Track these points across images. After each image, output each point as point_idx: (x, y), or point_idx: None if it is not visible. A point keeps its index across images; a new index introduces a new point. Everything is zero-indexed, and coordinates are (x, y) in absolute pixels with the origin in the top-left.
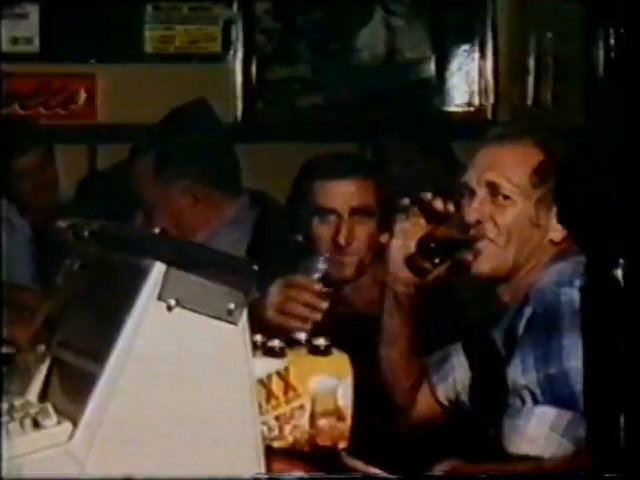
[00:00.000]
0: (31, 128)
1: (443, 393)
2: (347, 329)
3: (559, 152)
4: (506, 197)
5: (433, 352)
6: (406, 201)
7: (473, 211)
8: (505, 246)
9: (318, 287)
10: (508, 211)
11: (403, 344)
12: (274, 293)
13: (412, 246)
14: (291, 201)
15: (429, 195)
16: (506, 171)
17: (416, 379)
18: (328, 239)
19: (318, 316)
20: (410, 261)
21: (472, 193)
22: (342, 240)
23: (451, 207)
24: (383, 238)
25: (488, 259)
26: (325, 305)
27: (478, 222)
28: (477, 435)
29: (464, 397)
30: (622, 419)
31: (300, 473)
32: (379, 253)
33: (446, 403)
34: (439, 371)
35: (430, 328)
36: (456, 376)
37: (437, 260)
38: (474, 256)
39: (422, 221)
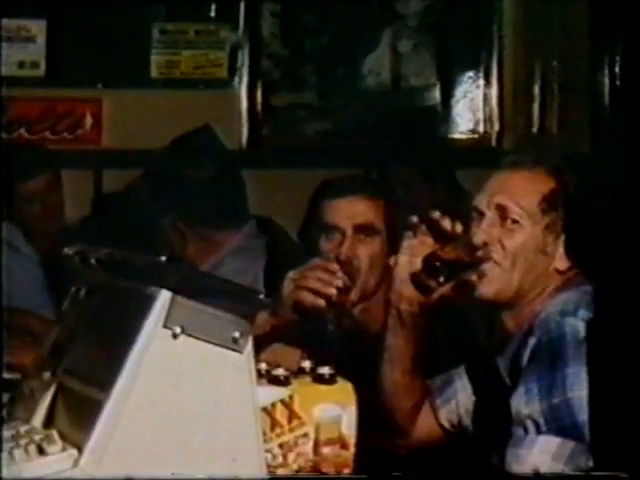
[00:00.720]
0: (39, 152)
1: (445, 416)
2: (357, 351)
3: (571, 182)
4: (515, 221)
5: (436, 375)
6: (414, 219)
7: (481, 233)
8: (510, 270)
9: (332, 267)
10: (516, 235)
11: (406, 363)
12: (291, 276)
13: (418, 263)
14: (305, 222)
15: (437, 214)
16: (516, 195)
17: (418, 400)
18: (330, 255)
19: (332, 291)
20: (415, 278)
21: (481, 215)
22: (343, 256)
23: (459, 227)
24: (391, 260)
25: (492, 282)
26: (339, 282)
27: (485, 244)
28: (478, 460)
29: (466, 421)
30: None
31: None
32: (386, 275)
33: (448, 426)
34: (442, 394)
35: (434, 350)
36: (459, 399)
37: (442, 279)
38: (478, 278)
39: (429, 240)
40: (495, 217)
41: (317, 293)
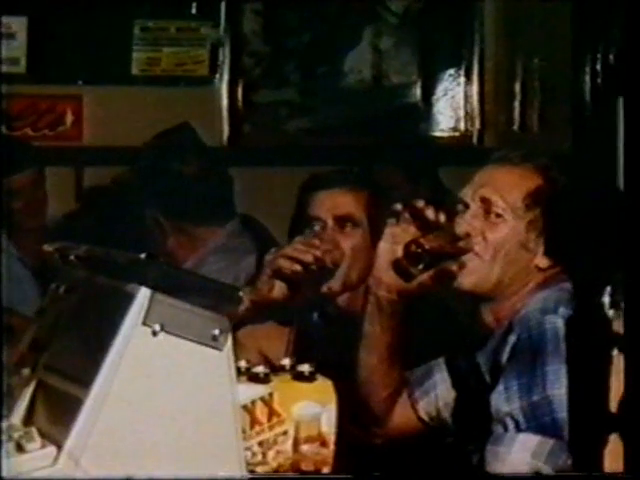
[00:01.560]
0: (27, 148)
1: (424, 409)
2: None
3: (559, 180)
4: (498, 215)
5: (415, 366)
6: (398, 206)
7: (464, 224)
8: (490, 262)
9: (312, 241)
10: (498, 229)
11: (383, 351)
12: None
13: (399, 251)
14: (293, 217)
15: (422, 202)
16: (502, 189)
17: (394, 389)
18: (320, 253)
19: (309, 258)
20: (396, 265)
21: (466, 207)
22: (322, 246)
23: (442, 217)
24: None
25: (472, 273)
26: (317, 252)
27: (467, 235)
28: (456, 454)
29: (445, 414)
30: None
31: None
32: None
33: (426, 419)
34: (421, 386)
35: (412, 340)
36: (438, 392)
37: (422, 266)
38: (459, 268)
39: (412, 228)
40: (479, 210)
41: (294, 259)
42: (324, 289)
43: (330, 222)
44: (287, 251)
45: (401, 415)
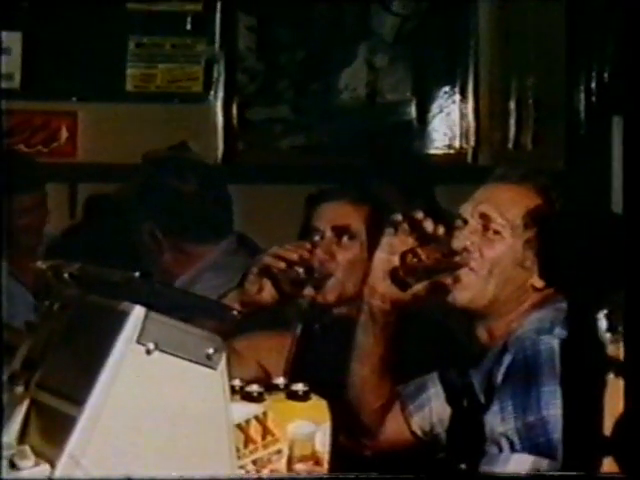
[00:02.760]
0: (35, 167)
1: (417, 423)
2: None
3: (557, 200)
4: (496, 232)
5: (408, 380)
6: (398, 216)
7: (462, 238)
8: (486, 278)
9: (303, 244)
10: (496, 245)
11: (375, 361)
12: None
13: (395, 261)
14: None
15: (421, 214)
16: (501, 207)
17: (386, 401)
18: (308, 254)
19: (294, 256)
20: (392, 273)
21: (464, 223)
22: (317, 255)
23: (441, 230)
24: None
25: (467, 288)
26: (305, 254)
27: (464, 250)
28: (447, 469)
29: (439, 429)
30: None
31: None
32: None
33: (419, 433)
34: (415, 400)
35: (406, 355)
36: (432, 406)
37: (417, 277)
38: (454, 282)
39: (409, 239)
40: (478, 225)
41: (279, 257)
42: (319, 299)
43: (328, 232)
44: (273, 250)
45: (393, 428)
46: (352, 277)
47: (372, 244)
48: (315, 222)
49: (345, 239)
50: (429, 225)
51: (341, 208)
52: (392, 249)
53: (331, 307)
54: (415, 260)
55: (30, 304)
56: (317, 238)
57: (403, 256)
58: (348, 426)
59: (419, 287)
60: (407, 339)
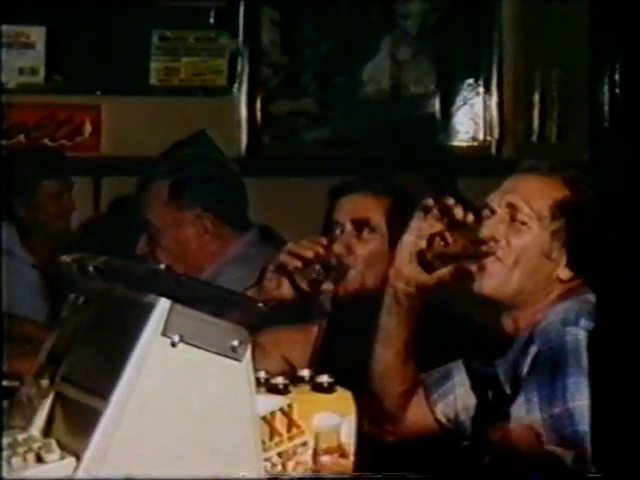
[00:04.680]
0: (61, 155)
1: (442, 411)
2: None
3: (586, 193)
4: (523, 222)
5: (431, 368)
6: (429, 201)
7: (489, 227)
8: (512, 268)
9: (319, 240)
10: (523, 235)
11: (399, 345)
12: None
13: (422, 244)
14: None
15: (452, 200)
16: (529, 197)
17: (410, 386)
18: (324, 251)
19: (309, 254)
20: (418, 256)
21: (492, 213)
22: (337, 248)
23: (470, 217)
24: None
25: (492, 277)
26: (320, 250)
27: (492, 239)
28: (472, 459)
29: (463, 417)
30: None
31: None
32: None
33: (444, 420)
34: (439, 388)
35: (431, 343)
36: (457, 394)
37: (442, 261)
38: (479, 270)
39: (438, 225)
40: (505, 215)
41: (295, 254)
42: (339, 292)
43: (348, 226)
44: (290, 247)
45: (416, 415)
46: (372, 270)
47: (393, 236)
48: (336, 215)
49: (365, 232)
50: (459, 212)
51: (362, 201)
52: (420, 232)
53: (352, 300)
54: (442, 244)
55: (47, 295)
56: (337, 232)
57: (431, 239)
58: (371, 411)
59: (444, 272)
60: (432, 326)
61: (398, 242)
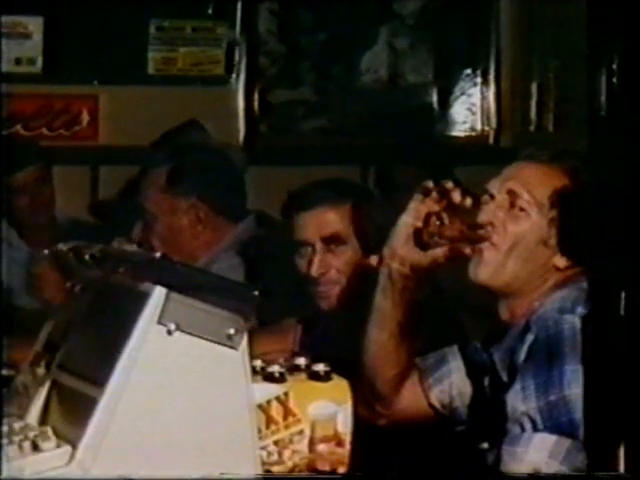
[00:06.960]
0: (29, 145)
1: (437, 396)
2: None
3: (587, 184)
4: (522, 209)
5: (425, 352)
6: (429, 183)
7: (487, 212)
8: (507, 254)
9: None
10: (520, 222)
11: (392, 326)
12: None
13: (419, 225)
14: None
15: (451, 184)
16: (529, 184)
17: (403, 369)
18: (304, 272)
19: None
20: (414, 235)
21: (491, 198)
22: (314, 272)
23: (468, 201)
24: (372, 260)
25: (488, 264)
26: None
27: (489, 224)
28: (464, 444)
29: (458, 403)
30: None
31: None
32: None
33: (438, 406)
34: (435, 373)
35: (426, 329)
36: (453, 380)
37: (437, 240)
38: (474, 255)
39: (436, 207)
40: (504, 201)
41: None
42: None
43: (318, 244)
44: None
45: (410, 399)
46: (355, 279)
47: (363, 240)
48: (302, 234)
49: (336, 247)
50: (457, 195)
51: (324, 214)
52: (418, 214)
53: (336, 311)
54: (438, 223)
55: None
56: (309, 251)
57: (427, 218)
58: (363, 393)
59: (439, 252)
60: (427, 314)
61: (398, 218)
